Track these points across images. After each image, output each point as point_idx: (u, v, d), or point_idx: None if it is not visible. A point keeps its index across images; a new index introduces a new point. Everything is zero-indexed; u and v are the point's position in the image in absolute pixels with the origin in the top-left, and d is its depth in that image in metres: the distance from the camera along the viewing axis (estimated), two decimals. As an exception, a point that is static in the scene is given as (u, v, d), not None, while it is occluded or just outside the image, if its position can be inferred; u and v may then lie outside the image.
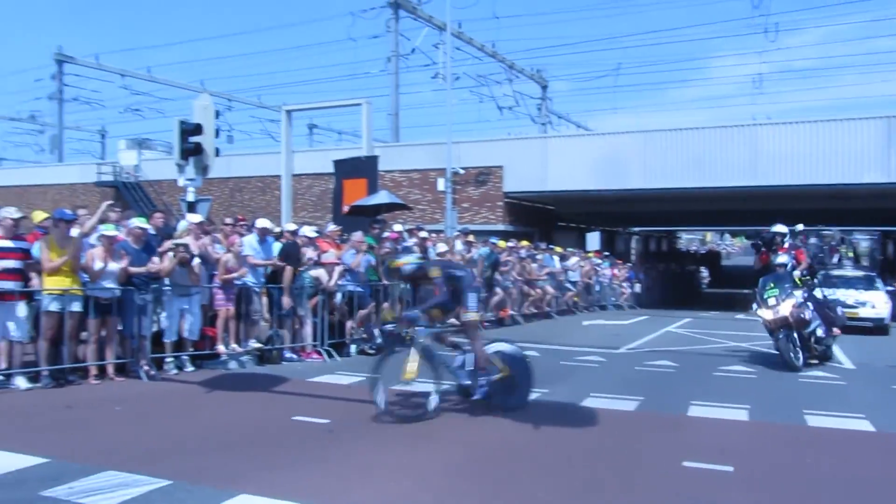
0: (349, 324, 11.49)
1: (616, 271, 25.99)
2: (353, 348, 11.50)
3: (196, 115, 10.68)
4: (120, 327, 8.94)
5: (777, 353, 10.77)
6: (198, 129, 10.44)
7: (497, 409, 7.15)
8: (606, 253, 27.78)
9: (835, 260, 23.16)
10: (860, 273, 20.39)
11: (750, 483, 5.28)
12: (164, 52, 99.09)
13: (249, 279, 10.26)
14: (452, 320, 7.45)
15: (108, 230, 8.82)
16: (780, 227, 12.20)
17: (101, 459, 5.36)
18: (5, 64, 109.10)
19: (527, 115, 37.21)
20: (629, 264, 30.14)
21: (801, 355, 10.55)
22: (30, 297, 8.41)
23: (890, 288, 19.34)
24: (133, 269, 8.92)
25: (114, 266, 8.73)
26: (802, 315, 10.66)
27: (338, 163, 16.67)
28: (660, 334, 16.22)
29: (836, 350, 12.05)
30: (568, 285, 21.31)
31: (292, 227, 11.74)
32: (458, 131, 27.73)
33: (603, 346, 13.23)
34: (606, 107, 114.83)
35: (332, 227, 12.59)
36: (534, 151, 26.44)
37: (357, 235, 11.88)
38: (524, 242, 20.06)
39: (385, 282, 11.84)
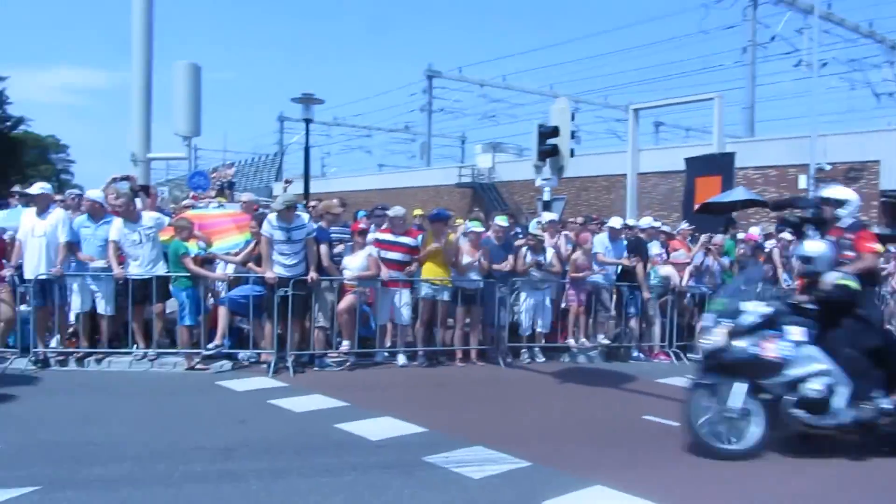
0: (698, 325, 11.06)
1: None
2: (702, 352, 11.04)
3: (553, 118, 11.14)
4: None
5: None
6: (555, 132, 10.90)
7: None
8: None
9: None
10: None
11: None
12: (518, 60, 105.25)
13: (599, 277, 10.45)
14: None
15: (476, 226, 9.65)
16: (839, 190, 6.66)
17: (471, 435, 5.90)
18: (385, 83, 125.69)
19: (910, 101, 32.17)
20: None
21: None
22: (410, 286, 9.58)
23: None
24: (496, 266, 9.63)
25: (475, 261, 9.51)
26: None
27: (690, 160, 16.17)
28: None
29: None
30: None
31: (645, 223, 11.59)
32: (823, 123, 24.96)
33: None
34: None
35: (684, 225, 12.24)
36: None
37: (717, 239, 11.33)
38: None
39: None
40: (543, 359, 9.99)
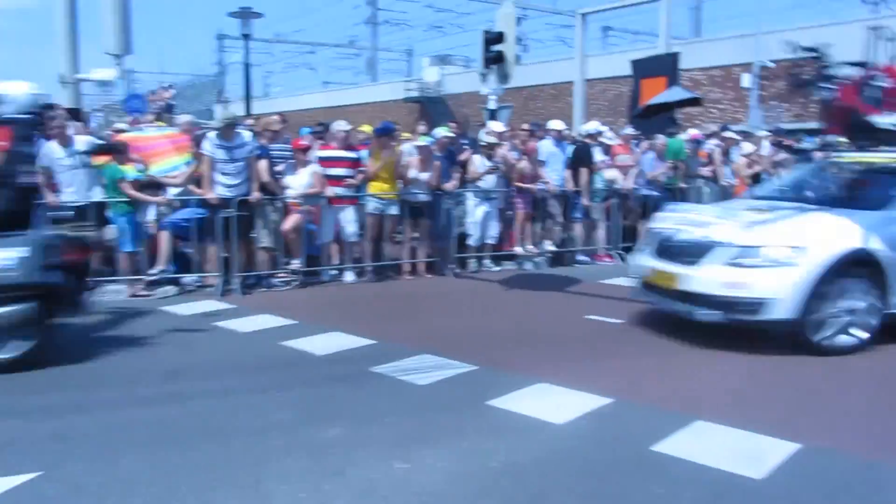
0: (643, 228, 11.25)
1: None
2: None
3: (499, 24, 10.91)
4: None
5: None
6: (500, 38, 10.69)
7: None
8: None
9: None
10: None
11: None
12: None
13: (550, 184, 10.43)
14: None
15: (423, 141, 9.53)
16: None
17: (418, 344, 5.99)
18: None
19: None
20: None
21: None
22: (356, 202, 9.47)
23: None
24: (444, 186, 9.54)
25: (424, 175, 9.44)
26: None
27: (636, 62, 16.05)
28: None
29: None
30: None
31: (591, 128, 11.53)
32: (772, 21, 24.88)
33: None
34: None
35: (628, 130, 12.24)
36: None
37: (660, 140, 11.37)
38: None
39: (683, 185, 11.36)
40: (496, 267, 10.08)
